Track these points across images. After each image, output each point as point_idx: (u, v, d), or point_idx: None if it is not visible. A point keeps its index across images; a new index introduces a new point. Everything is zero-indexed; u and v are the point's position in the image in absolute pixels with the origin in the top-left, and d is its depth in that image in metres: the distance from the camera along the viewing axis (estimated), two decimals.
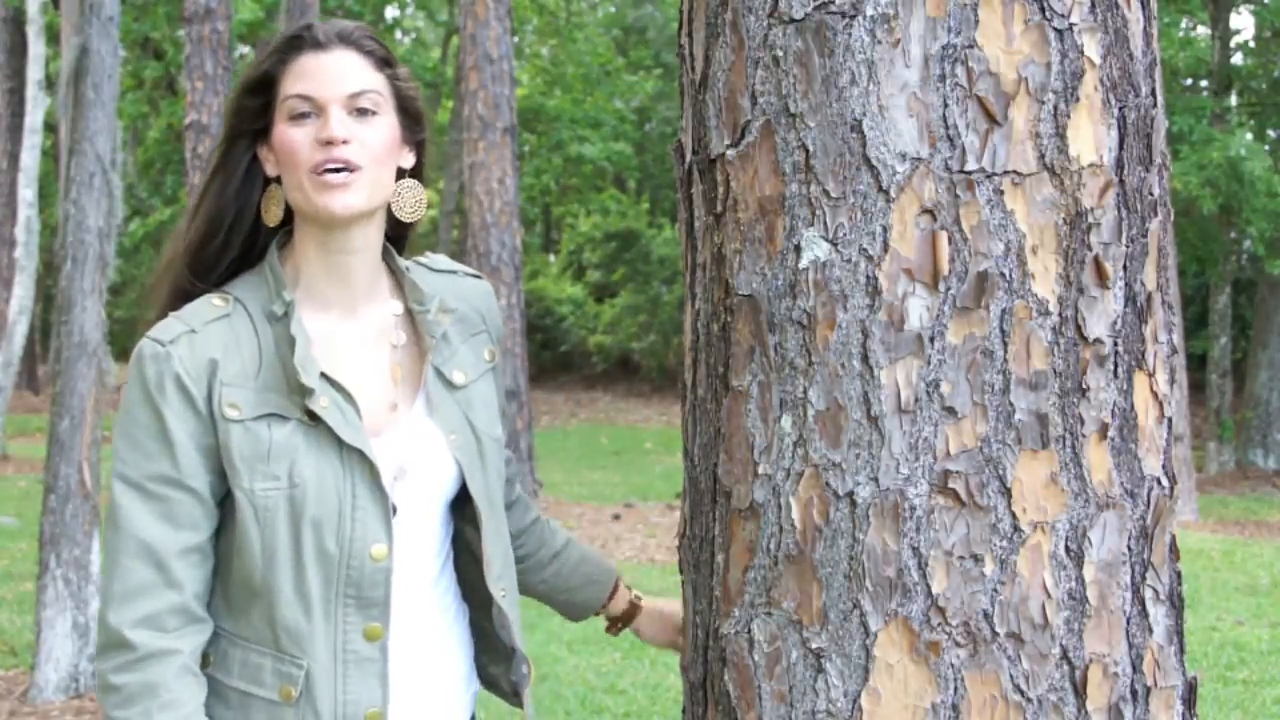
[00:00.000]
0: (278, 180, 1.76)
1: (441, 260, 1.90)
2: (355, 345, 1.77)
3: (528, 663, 1.85)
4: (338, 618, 1.68)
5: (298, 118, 1.71)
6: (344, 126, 1.70)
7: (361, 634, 1.68)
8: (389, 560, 1.68)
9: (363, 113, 1.72)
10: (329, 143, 1.69)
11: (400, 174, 1.80)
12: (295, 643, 1.67)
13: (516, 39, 24.12)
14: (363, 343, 1.78)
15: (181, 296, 1.76)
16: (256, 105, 1.75)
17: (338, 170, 1.69)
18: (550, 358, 26.11)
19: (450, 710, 1.82)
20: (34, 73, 13.76)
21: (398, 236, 1.86)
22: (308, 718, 1.67)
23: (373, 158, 1.72)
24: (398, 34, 27.70)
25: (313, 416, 1.68)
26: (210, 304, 1.73)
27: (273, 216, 1.77)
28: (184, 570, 1.66)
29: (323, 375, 1.70)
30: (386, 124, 1.74)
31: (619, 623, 2.11)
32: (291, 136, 1.71)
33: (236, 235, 1.78)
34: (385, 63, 1.77)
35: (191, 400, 1.67)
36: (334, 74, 1.72)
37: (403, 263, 1.84)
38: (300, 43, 1.74)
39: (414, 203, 1.81)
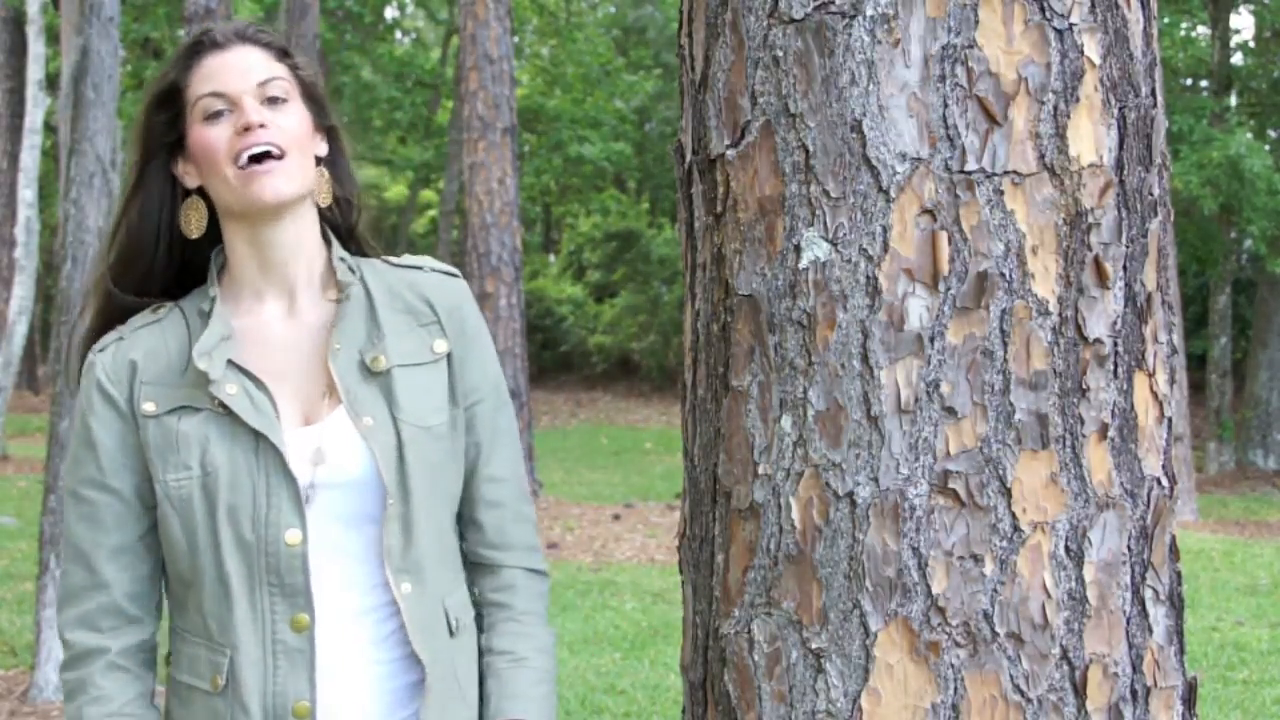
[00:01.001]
0: (198, 192, 1.79)
1: (412, 258, 1.89)
2: (293, 338, 1.79)
3: (422, 668, 1.75)
4: (264, 606, 1.70)
5: (212, 117, 1.74)
6: (259, 113, 1.73)
7: (288, 624, 1.69)
8: (303, 546, 1.69)
9: (274, 101, 1.76)
10: (248, 129, 1.72)
11: (316, 161, 1.82)
12: (221, 631, 1.70)
13: (516, 39, 24.11)
14: (301, 336, 1.79)
15: (114, 314, 1.81)
16: (167, 118, 1.78)
17: (262, 158, 1.72)
18: (550, 358, 26.11)
19: (394, 712, 1.77)
20: (34, 73, 13.75)
21: (349, 231, 1.88)
22: (235, 709, 1.69)
23: (294, 141, 1.75)
24: (398, 34, 27.71)
25: (225, 406, 1.71)
26: (149, 311, 1.81)
27: (194, 228, 1.80)
28: (113, 571, 1.74)
29: (231, 363, 1.73)
30: (298, 110, 1.78)
31: None
32: (209, 135, 1.74)
33: (164, 253, 1.81)
34: (284, 53, 1.81)
35: (114, 403, 1.75)
36: (240, 68, 1.76)
37: (349, 258, 1.84)
38: (200, 47, 1.78)
39: (326, 189, 1.84)
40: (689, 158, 1.69)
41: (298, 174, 1.75)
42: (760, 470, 1.57)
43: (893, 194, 1.50)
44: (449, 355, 1.82)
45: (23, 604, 7.82)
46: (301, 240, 1.80)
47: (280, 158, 1.73)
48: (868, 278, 1.51)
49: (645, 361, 24.94)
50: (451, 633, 1.79)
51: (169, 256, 1.81)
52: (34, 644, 5.96)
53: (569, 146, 23.15)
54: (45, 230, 16.52)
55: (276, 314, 1.79)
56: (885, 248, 1.51)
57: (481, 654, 1.85)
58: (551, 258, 29.38)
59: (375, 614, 1.75)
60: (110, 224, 1.86)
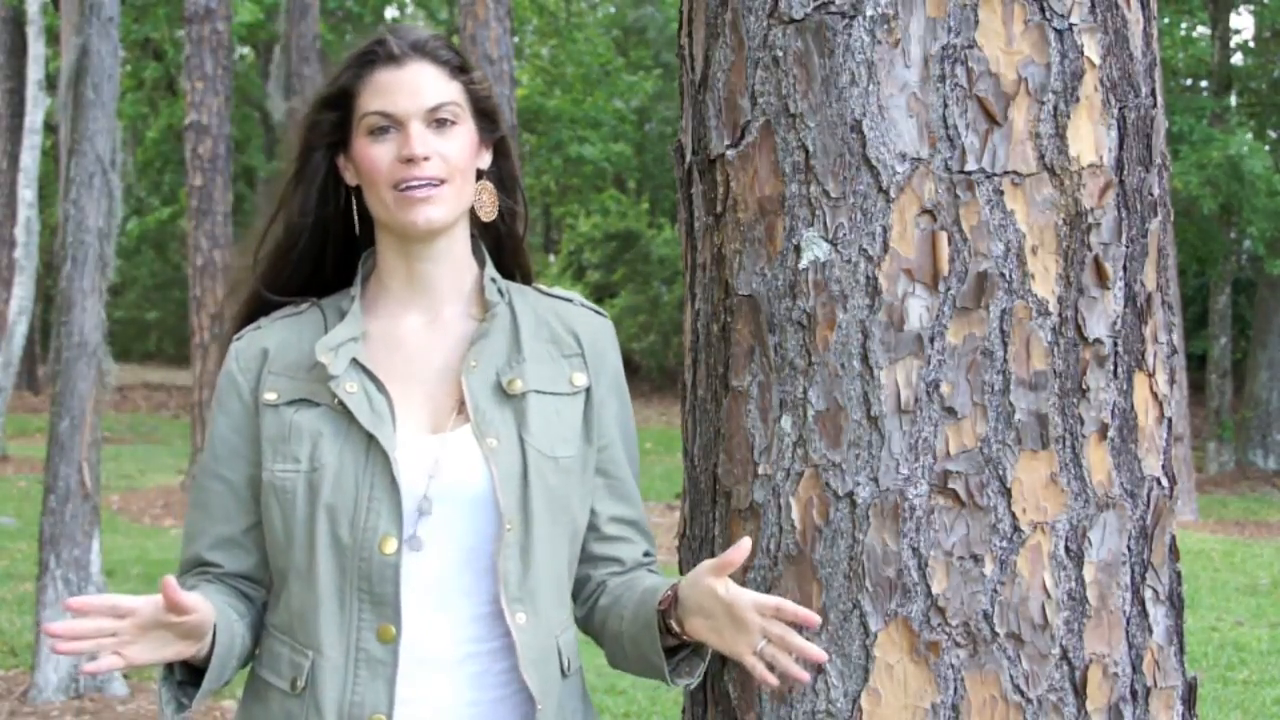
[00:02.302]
0: (358, 189, 1.79)
1: (563, 291, 1.88)
2: (430, 348, 1.78)
3: (534, 702, 1.69)
4: (353, 612, 1.67)
5: (377, 133, 1.73)
6: (424, 143, 1.71)
7: (374, 633, 1.66)
8: (398, 556, 1.66)
9: (441, 124, 1.74)
10: (410, 160, 1.71)
11: (479, 175, 1.81)
12: (305, 632, 1.68)
13: (516, 39, 24.11)
14: (438, 347, 1.78)
15: (259, 308, 1.82)
16: (333, 119, 1.78)
17: (421, 185, 1.71)
18: None
19: None
20: (34, 73, 13.75)
21: (499, 246, 1.86)
22: (310, 712, 1.67)
23: (456, 169, 1.74)
24: None
25: (343, 404, 1.70)
26: (291, 304, 1.81)
27: (357, 225, 1.81)
28: (218, 557, 1.76)
29: (355, 362, 1.72)
30: (465, 132, 1.76)
31: (673, 619, 1.65)
32: (372, 153, 1.73)
33: (318, 247, 1.81)
34: (460, 69, 1.78)
35: (239, 392, 1.76)
36: (411, 89, 1.73)
37: (500, 281, 1.82)
38: (375, 56, 1.76)
39: (490, 203, 1.82)
40: (689, 158, 1.69)
41: (453, 200, 1.74)
42: (760, 470, 1.57)
43: (893, 194, 1.50)
44: (588, 390, 1.79)
45: (23, 604, 7.82)
46: (450, 254, 1.79)
47: (439, 185, 1.72)
48: (868, 278, 1.51)
49: (645, 361, 24.92)
50: (564, 673, 1.73)
51: (322, 252, 1.82)
52: (34, 644, 5.95)
53: (569, 147, 23.14)
54: (45, 230, 16.51)
55: (417, 324, 1.79)
56: (885, 248, 1.51)
57: (604, 603, 1.78)
58: (551, 258, 29.36)
59: (474, 645, 1.70)
60: (264, 217, 1.84)
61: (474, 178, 1.79)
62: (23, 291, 13.20)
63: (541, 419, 1.73)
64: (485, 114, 1.80)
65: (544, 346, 1.79)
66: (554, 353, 1.79)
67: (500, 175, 1.85)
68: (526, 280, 1.88)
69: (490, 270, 1.82)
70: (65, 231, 5.98)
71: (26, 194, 13.57)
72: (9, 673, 6.42)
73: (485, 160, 1.82)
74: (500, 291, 1.81)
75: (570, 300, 1.86)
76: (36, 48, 13.86)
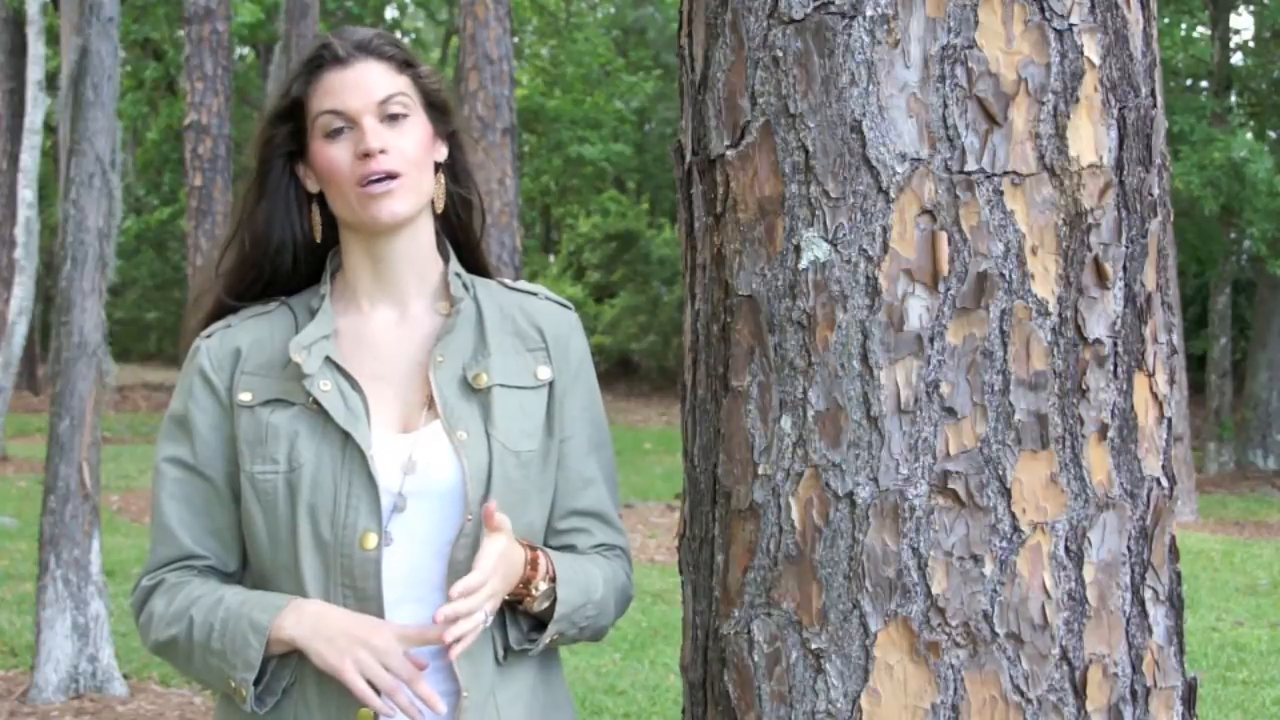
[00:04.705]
0: (319, 196, 1.81)
1: (527, 284, 1.90)
2: (399, 345, 1.80)
3: (456, 693, 1.72)
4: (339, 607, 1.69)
5: (333, 134, 1.75)
6: (379, 137, 1.74)
7: None
8: (378, 551, 1.68)
9: (394, 118, 1.76)
10: (367, 154, 1.73)
11: (435, 168, 1.83)
12: None
13: (516, 39, 24.11)
14: (407, 344, 1.80)
15: (220, 314, 1.83)
16: (287, 130, 1.80)
17: (380, 179, 1.73)
18: None
19: None
20: (34, 73, 13.74)
21: (454, 243, 1.88)
22: (299, 707, 1.69)
23: (411, 162, 1.76)
24: (397, 35, 27.63)
25: (317, 403, 1.72)
26: (259, 304, 1.83)
27: (317, 233, 1.83)
28: (204, 549, 1.77)
29: (329, 360, 1.73)
30: (418, 124, 1.78)
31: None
32: (330, 154, 1.75)
33: (288, 258, 1.82)
34: (407, 64, 1.80)
35: (214, 390, 1.77)
36: (359, 85, 1.76)
37: (464, 275, 1.84)
38: (321, 61, 1.78)
39: (439, 194, 1.84)
40: (689, 158, 1.69)
41: (413, 193, 1.76)
42: (760, 470, 1.57)
43: (893, 194, 1.50)
44: (551, 384, 1.81)
45: (23, 604, 7.82)
46: (416, 250, 1.81)
47: (398, 178, 1.74)
48: (868, 278, 1.51)
49: (645, 361, 24.94)
50: (497, 661, 1.75)
51: (293, 261, 1.82)
52: (34, 644, 5.95)
53: (569, 147, 23.16)
54: (45, 230, 16.51)
55: (386, 321, 1.81)
56: (885, 248, 1.51)
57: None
58: (551, 258, 29.38)
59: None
60: (229, 230, 1.86)
61: (431, 170, 1.81)
62: (23, 291, 13.19)
63: (506, 413, 1.76)
64: (436, 107, 1.83)
65: (509, 340, 1.81)
66: (518, 346, 1.82)
67: (455, 168, 1.87)
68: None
69: (454, 265, 1.85)
70: (65, 231, 5.98)
71: (26, 194, 13.56)
72: (9, 673, 6.42)
73: (441, 153, 1.84)
74: (465, 285, 1.83)
75: (535, 294, 1.88)
76: (36, 48, 13.86)
